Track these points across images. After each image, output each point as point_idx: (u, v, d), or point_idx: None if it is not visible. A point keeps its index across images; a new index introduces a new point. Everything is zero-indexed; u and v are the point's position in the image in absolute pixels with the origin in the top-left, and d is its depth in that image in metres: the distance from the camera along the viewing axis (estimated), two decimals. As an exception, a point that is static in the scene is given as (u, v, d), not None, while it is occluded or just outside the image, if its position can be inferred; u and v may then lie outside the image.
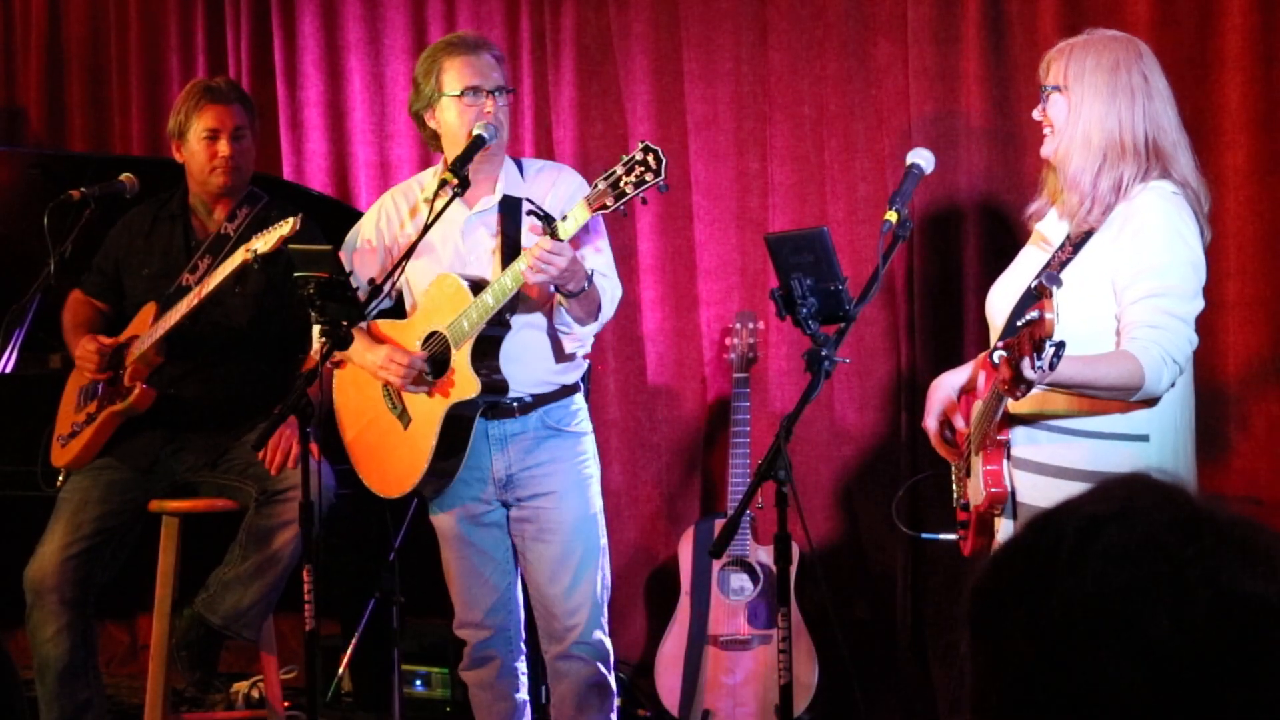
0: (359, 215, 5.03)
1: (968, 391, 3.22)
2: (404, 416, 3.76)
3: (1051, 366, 2.61)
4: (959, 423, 3.21)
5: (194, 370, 4.17)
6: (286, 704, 4.48)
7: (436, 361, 3.68)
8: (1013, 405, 2.96)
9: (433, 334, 3.69)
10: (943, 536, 3.44)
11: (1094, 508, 1.19)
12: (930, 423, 3.24)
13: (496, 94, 3.73)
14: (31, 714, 4.02)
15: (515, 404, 3.72)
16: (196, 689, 4.59)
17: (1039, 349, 2.58)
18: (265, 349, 4.20)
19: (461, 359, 3.62)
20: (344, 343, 3.57)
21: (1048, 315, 2.56)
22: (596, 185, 3.45)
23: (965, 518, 3.23)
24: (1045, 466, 3.04)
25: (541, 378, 3.74)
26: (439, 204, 3.61)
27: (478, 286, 3.61)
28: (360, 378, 3.83)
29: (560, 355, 3.74)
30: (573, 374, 3.81)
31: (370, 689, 4.87)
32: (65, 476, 4.24)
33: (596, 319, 3.69)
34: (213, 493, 4.19)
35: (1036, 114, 3.15)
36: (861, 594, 4.70)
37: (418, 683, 4.74)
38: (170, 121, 4.24)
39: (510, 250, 3.70)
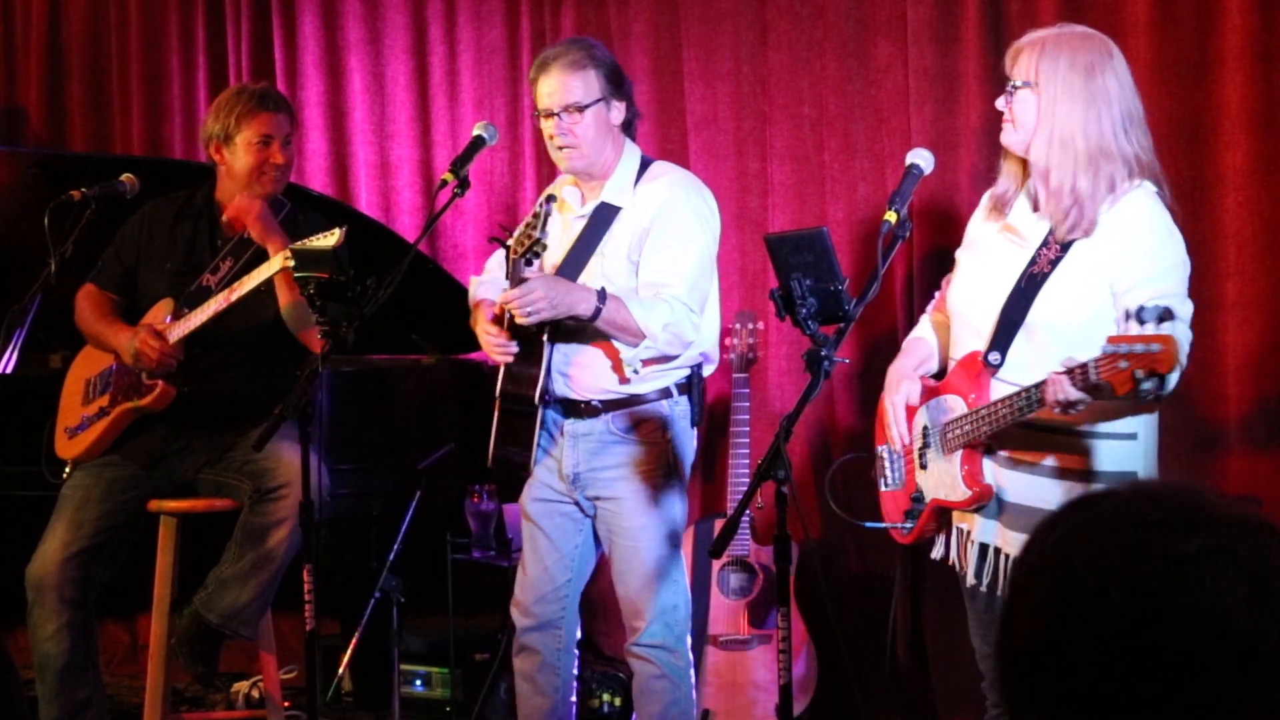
0: (359, 215, 5.05)
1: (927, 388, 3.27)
2: None
3: (1157, 398, 2.66)
4: (919, 416, 3.24)
5: (207, 370, 4.16)
6: (286, 704, 4.48)
7: None
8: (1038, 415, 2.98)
9: None
10: (884, 526, 3.45)
11: (1088, 495, 1.34)
12: (897, 400, 3.26)
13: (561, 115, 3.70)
14: (31, 713, 4.02)
15: (584, 405, 3.74)
16: (199, 683, 4.58)
17: (1146, 378, 2.61)
18: (282, 350, 4.19)
19: None
20: (344, 343, 3.57)
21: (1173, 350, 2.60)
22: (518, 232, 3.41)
23: (911, 508, 3.26)
24: (1039, 467, 3.06)
25: (605, 386, 3.73)
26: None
27: None
28: None
29: (619, 373, 3.71)
30: (644, 385, 3.74)
31: (370, 689, 4.86)
32: (71, 469, 4.24)
33: (637, 343, 3.61)
34: (211, 491, 4.20)
35: (1000, 104, 3.16)
36: (861, 594, 4.70)
37: (417, 683, 4.73)
38: (212, 125, 4.20)
39: (582, 256, 3.72)
